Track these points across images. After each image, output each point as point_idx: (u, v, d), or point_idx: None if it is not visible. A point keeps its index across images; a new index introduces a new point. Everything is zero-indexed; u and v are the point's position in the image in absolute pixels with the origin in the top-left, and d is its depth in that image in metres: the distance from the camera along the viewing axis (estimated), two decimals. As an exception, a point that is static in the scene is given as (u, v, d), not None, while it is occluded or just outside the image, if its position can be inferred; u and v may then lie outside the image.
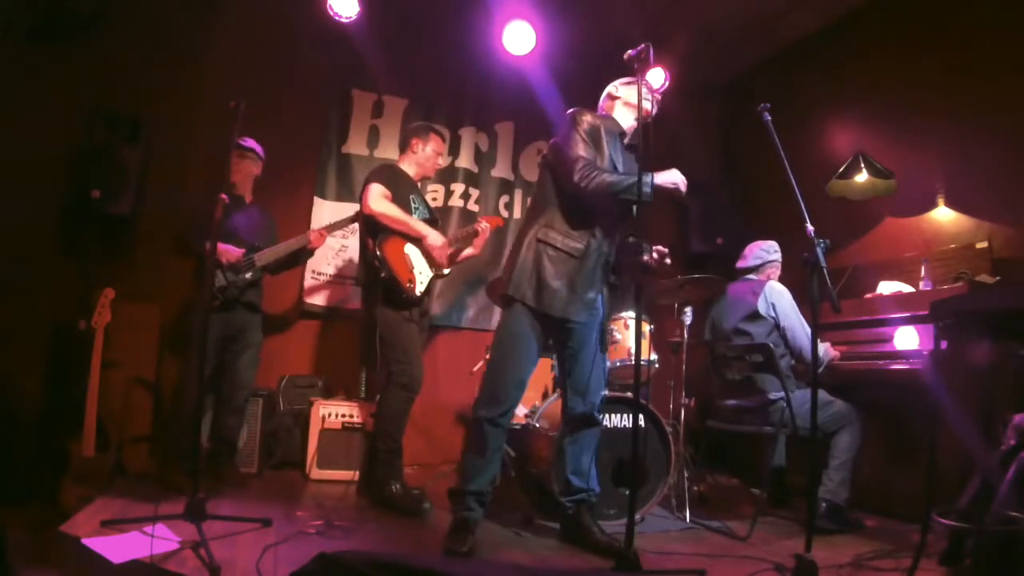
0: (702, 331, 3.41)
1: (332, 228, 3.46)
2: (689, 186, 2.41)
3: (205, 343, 2.69)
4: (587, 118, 2.44)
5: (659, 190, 2.34)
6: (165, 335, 3.56)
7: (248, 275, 3.18)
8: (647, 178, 2.26)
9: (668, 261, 2.50)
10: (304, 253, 3.46)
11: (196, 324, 3.04)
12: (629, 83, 2.62)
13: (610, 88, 2.67)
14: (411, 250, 3.06)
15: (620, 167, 2.46)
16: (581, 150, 2.37)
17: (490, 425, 2.37)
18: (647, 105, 2.45)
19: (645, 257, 2.32)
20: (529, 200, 4.13)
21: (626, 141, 2.59)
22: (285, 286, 3.97)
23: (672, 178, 2.37)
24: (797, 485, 3.27)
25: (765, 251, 3.27)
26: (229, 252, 3.13)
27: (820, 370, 2.85)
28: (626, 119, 2.61)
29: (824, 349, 3.10)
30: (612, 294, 2.64)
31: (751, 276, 3.26)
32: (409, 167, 3.23)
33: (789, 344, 2.98)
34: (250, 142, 3.34)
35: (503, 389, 2.38)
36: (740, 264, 3.33)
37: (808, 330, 2.94)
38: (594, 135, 2.42)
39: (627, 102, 2.60)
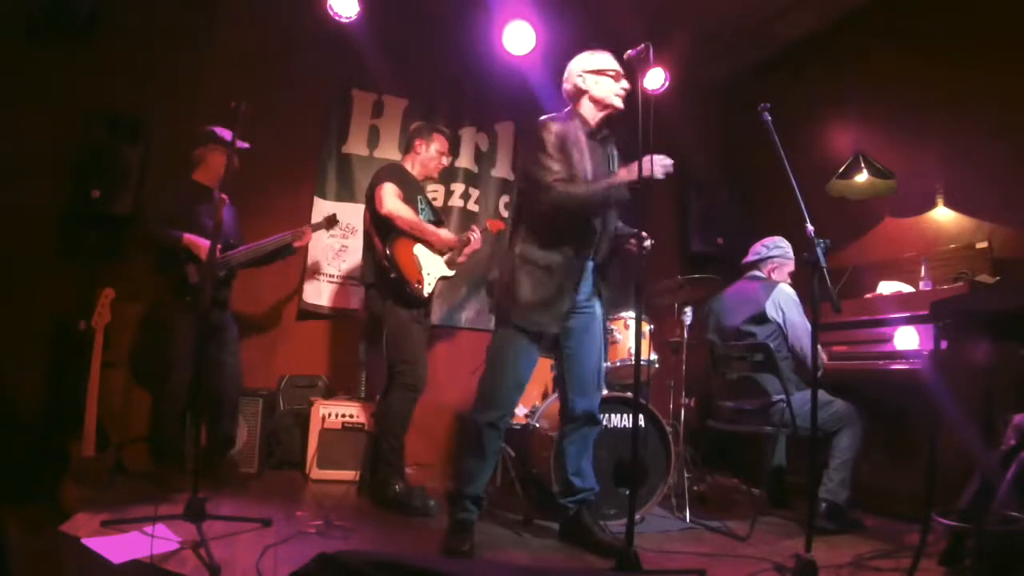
0: (702, 331, 3.39)
1: (315, 228, 3.43)
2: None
3: (202, 339, 2.65)
4: (554, 129, 2.36)
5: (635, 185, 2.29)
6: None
7: (222, 272, 3.09)
8: (616, 180, 2.30)
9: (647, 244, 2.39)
10: (284, 251, 3.30)
11: (179, 322, 2.98)
12: (596, 72, 2.46)
13: (576, 79, 2.48)
14: (420, 251, 3.07)
15: (589, 171, 2.37)
16: (550, 167, 2.30)
17: (490, 429, 2.37)
18: (617, 102, 2.44)
19: (647, 244, 2.32)
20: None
21: (597, 136, 2.49)
22: (285, 286, 3.97)
23: (642, 171, 2.19)
24: (797, 485, 3.27)
25: (765, 247, 3.23)
26: (206, 245, 2.90)
27: (820, 374, 2.83)
28: (592, 113, 2.49)
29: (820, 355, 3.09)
30: (609, 294, 2.62)
31: (756, 273, 3.22)
32: (413, 168, 3.23)
33: (792, 348, 2.96)
34: (228, 134, 3.11)
35: (500, 394, 2.39)
36: (744, 260, 3.32)
37: None
38: (561, 146, 2.34)
39: (594, 97, 2.46)
